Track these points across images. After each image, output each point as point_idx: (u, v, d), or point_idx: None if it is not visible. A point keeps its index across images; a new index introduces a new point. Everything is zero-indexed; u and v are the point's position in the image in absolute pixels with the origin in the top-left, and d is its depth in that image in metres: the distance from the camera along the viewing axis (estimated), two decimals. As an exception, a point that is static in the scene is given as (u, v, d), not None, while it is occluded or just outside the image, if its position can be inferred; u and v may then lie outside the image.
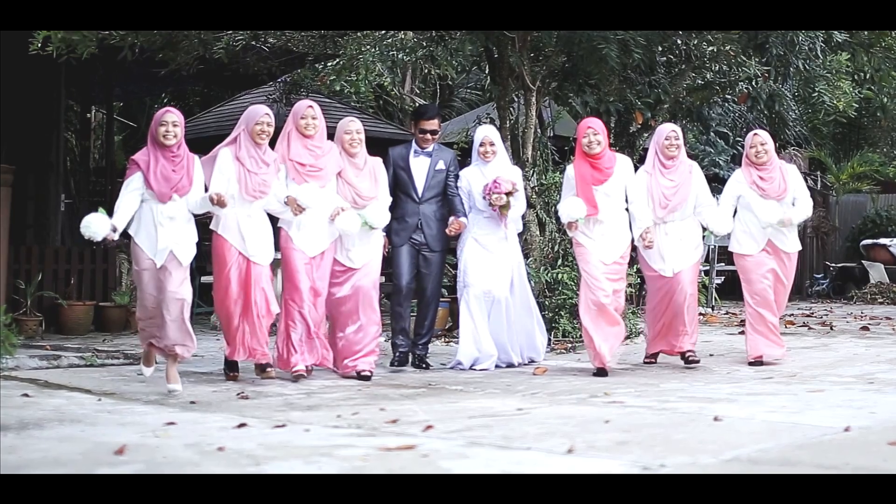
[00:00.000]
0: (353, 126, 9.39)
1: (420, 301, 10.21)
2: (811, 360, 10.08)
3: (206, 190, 8.57)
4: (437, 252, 10.02)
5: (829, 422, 6.69)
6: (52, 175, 13.35)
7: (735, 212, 10.02)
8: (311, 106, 9.23)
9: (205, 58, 11.24)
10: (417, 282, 10.03)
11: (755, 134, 10.08)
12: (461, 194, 9.97)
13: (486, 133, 10.17)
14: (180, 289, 8.35)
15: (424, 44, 12.90)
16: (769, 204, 9.80)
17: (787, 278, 10.04)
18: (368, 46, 11.31)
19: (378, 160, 9.56)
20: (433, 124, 10.02)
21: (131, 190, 8.37)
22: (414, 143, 10.07)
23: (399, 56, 12.78)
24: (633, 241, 9.67)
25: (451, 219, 9.86)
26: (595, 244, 9.50)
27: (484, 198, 9.79)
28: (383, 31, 13.34)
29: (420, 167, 9.95)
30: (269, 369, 8.96)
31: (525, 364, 10.05)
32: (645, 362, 10.07)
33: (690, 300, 9.75)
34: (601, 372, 9.30)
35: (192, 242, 8.49)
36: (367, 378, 9.10)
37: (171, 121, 8.46)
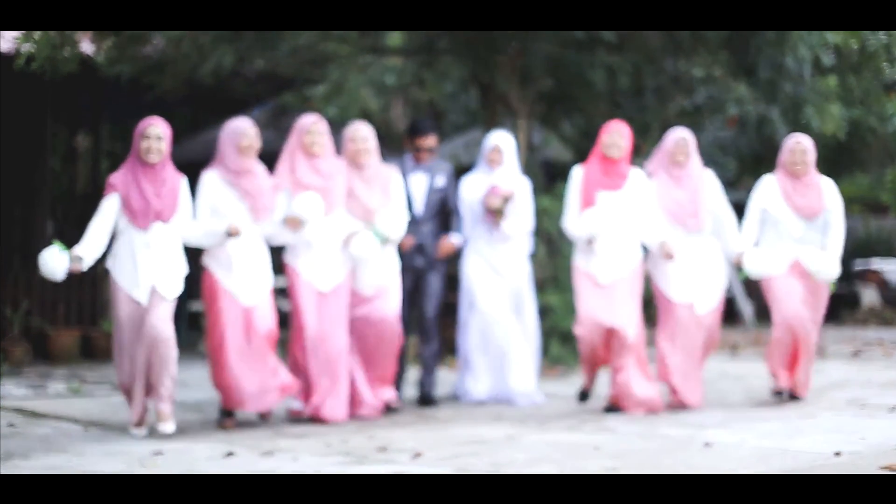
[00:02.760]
0: (359, 134, 8.51)
1: (422, 327, 9.37)
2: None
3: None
4: (439, 273, 9.24)
5: (820, 447, 6.68)
6: (39, 202, 13.30)
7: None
8: (316, 122, 8.36)
9: (192, 83, 11.21)
10: (418, 307, 9.27)
11: (797, 141, 8.83)
12: (462, 206, 9.29)
13: (497, 139, 9.44)
14: (162, 324, 7.43)
15: (410, 69, 12.90)
16: (797, 224, 8.68)
17: (816, 309, 8.77)
18: (355, 72, 11.29)
19: (393, 170, 8.76)
20: (430, 141, 9.25)
21: (103, 213, 7.50)
22: (409, 159, 9.28)
23: (388, 80, 12.74)
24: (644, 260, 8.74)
25: (442, 240, 9.17)
26: (591, 264, 8.61)
27: (483, 204, 9.18)
28: (371, 56, 13.35)
29: (417, 185, 9.15)
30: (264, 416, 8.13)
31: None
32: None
33: (709, 343, 8.79)
34: (583, 395, 8.91)
35: (180, 276, 7.63)
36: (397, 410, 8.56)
37: (156, 134, 7.52)
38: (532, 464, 6.23)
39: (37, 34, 9.85)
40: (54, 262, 7.25)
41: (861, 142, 14.85)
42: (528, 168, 12.05)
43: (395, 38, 13.54)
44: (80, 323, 12.75)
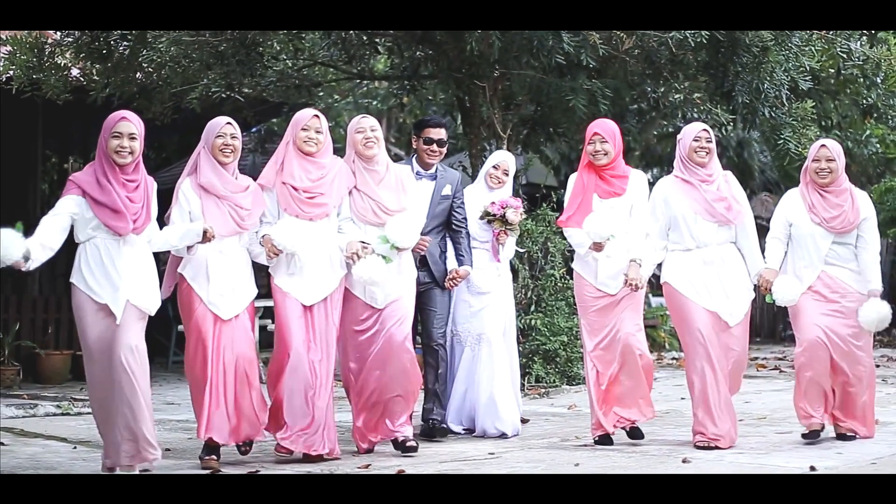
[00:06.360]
0: (365, 123, 7.58)
1: (427, 350, 8.38)
2: (781, 403, 10.12)
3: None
4: (446, 290, 8.34)
5: (796, 463, 6.80)
6: (29, 226, 13.36)
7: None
8: (316, 115, 7.41)
9: (179, 108, 11.34)
10: (423, 327, 8.34)
11: (822, 145, 7.83)
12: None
13: (504, 158, 8.85)
14: (136, 346, 6.51)
15: (396, 92, 13.08)
16: (822, 239, 7.71)
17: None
18: (339, 97, 11.45)
19: (405, 168, 7.92)
20: (441, 132, 8.37)
21: (58, 213, 6.57)
22: (415, 164, 8.34)
23: (373, 104, 12.93)
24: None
25: (452, 270, 8.30)
26: (595, 272, 7.84)
27: (483, 216, 8.51)
28: (357, 81, 13.52)
29: (422, 193, 8.13)
30: (245, 447, 7.31)
31: (496, 437, 8.38)
32: (697, 445, 7.59)
33: (741, 361, 7.81)
34: (603, 439, 7.87)
35: (155, 287, 6.71)
36: (413, 449, 7.47)
37: (128, 132, 6.55)
38: (513, 479, 6.34)
39: (18, 57, 10.04)
40: (7, 244, 6.18)
41: (839, 165, 15.01)
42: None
43: (380, 63, 13.71)
44: (69, 344, 12.83)
